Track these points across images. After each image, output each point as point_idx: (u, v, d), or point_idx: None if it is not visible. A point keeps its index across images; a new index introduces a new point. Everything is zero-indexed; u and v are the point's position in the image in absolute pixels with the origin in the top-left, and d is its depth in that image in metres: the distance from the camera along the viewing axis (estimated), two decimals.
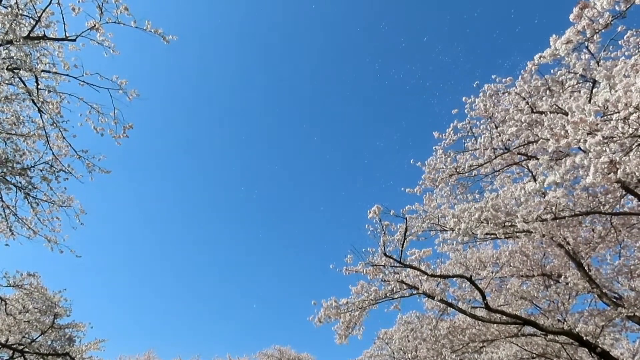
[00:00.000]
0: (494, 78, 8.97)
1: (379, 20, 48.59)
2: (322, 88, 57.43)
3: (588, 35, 4.51)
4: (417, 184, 10.80)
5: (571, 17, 4.55)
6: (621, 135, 4.14)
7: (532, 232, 8.67)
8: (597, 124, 4.25)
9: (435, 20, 45.99)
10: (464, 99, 9.61)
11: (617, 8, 4.29)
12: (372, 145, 63.09)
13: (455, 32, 47.35)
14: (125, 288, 63.83)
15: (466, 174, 10.00)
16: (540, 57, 5.04)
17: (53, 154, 9.03)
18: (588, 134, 4.29)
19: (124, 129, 8.39)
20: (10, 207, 9.60)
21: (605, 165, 4.25)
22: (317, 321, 10.11)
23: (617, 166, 4.35)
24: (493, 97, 8.99)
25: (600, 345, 9.17)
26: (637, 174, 4.30)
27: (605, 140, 4.18)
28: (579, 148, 4.72)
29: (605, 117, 4.33)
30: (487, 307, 9.66)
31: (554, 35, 4.83)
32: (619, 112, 4.05)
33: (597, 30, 4.45)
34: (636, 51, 5.84)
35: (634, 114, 3.97)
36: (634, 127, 4.07)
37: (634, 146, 4.36)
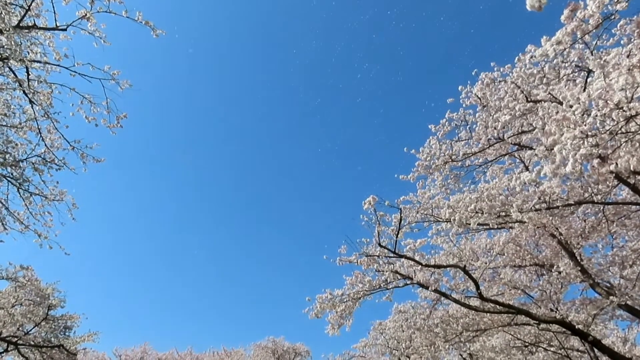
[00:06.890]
0: (492, 66, 8.80)
1: (375, 14, 48.37)
2: (316, 80, 57.20)
3: (579, 37, 4.61)
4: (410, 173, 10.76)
5: (562, 18, 4.65)
6: (600, 131, 4.24)
7: (525, 222, 8.71)
8: (579, 122, 4.33)
9: (433, 16, 45.86)
10: (460, 87, 9.55)
11: (609, 7, 4.33)
12: (367, 137, 63.07)
13: (452, 26, 47.24)
14: (120, 282, 63.88)
15: (460, 163, 9.98)
16: (532, 57, 5.09)
17: (45, 145, 8.93)
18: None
19: (118, 119, 8.29)
20: (2, 201, 9.49)
21: (584, 158, 4.30)
22: (313, 315, 10.17)
23: (607, 162, 4.40)
24: (490, 86, 8.88)
25: (591, 334, 9.27)
26: (629, 168, 4.33)
27: (582, 135, 4.27)
28: None
29: (585, 113, 4.42)
30: (481, 296, 9.73)
31: (544, 37, 4.95)
32: (599, 110, 4.15)
33: (587, 32, 4.55)
34: (630, 39, 5.83)
35: (615, 111, 4.04)
36: (613, 123, 4.14)
37: (622, 141, 4.40)
